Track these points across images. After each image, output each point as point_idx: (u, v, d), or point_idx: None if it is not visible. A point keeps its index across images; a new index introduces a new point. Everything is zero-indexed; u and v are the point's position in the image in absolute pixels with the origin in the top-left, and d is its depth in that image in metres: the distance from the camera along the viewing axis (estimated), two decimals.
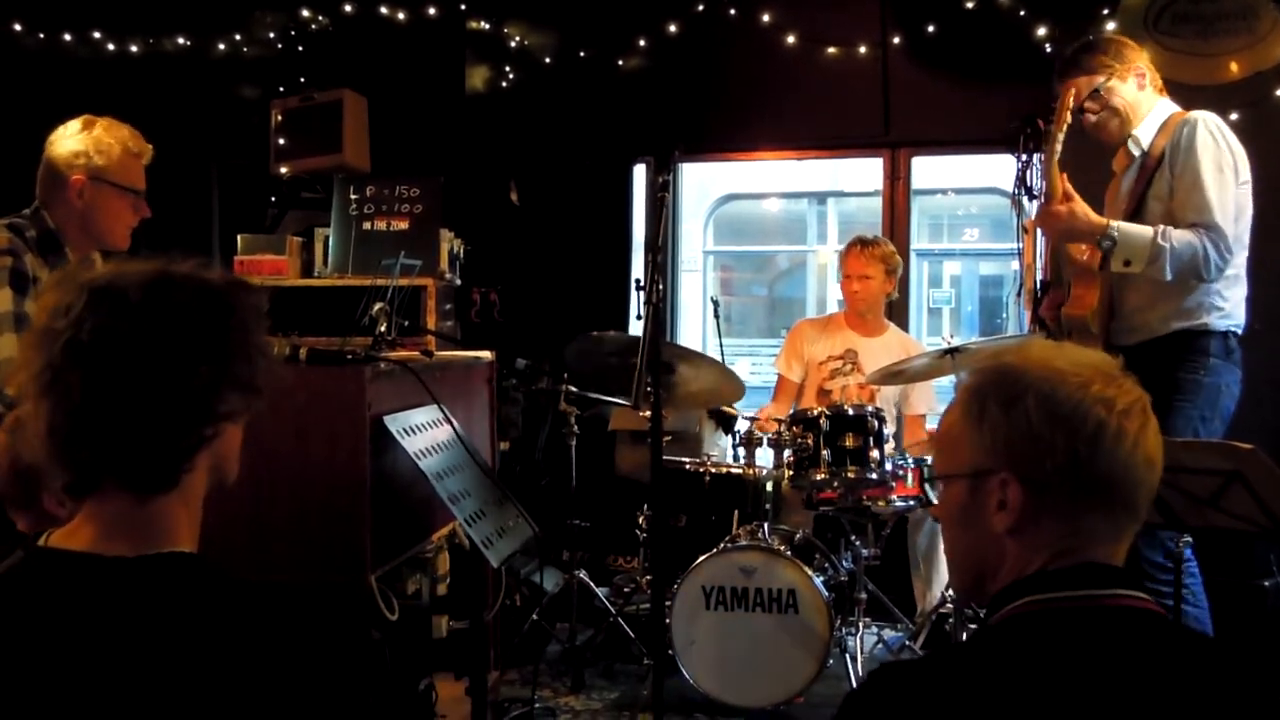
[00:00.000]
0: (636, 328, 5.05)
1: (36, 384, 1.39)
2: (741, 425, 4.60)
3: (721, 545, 4.09)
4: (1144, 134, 3.64)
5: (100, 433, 1.37)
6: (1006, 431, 1.43)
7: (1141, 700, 1.31)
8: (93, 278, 1.41)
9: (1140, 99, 3.65)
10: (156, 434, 1.39)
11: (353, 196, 5.06)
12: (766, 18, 5.56)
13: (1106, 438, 1.38)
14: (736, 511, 4.40)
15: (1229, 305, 3.55)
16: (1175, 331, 3.54)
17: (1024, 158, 3.80)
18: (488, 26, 5.91)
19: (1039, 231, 4.00)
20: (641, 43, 5.75)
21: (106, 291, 1.39)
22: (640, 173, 5.93)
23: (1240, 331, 3.59)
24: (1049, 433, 1.40)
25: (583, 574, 4.64)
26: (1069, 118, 3.55)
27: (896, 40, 5.45)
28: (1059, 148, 3.54)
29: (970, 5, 5.24)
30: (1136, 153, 3.66)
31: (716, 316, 5.51)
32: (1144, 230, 3.44)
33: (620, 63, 5.80)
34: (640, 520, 4.59)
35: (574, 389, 4.61)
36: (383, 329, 3.14)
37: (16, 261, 2.95)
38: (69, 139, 3.09)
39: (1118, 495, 1.41)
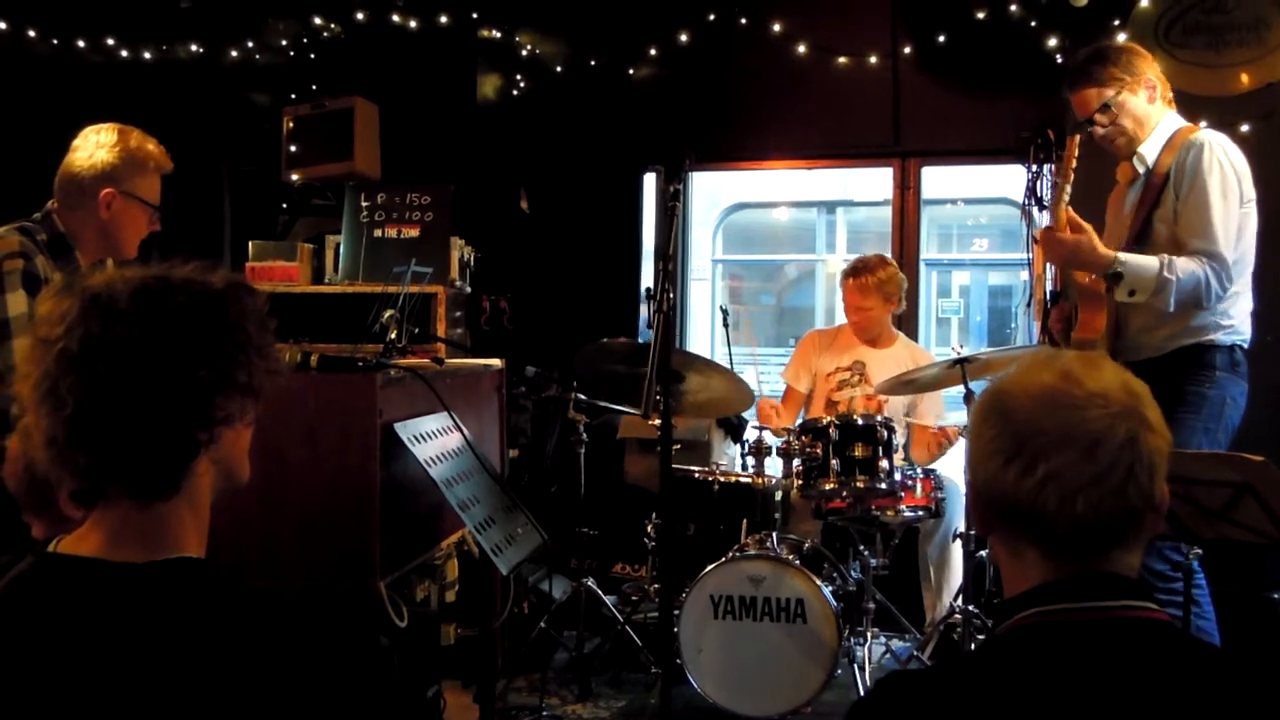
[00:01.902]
0: (646, 336, 5.06)
1: (35, 394, 1.39)
2: (750, 434, 4.59)
3: (730, 554, 4.08)
4: (1149, 150, 3.63)
5: (96, 441, 1.38)
6: (971, 453, 1.48)
7: (1145, 712, 1.31)
8: (88, 285, 1.42)
9: (1150, 112, 3.64)
10: (151, 441, 1.40)
11: (364, 204, 5.07)
12: (777, 27, 5.56)
13: (1014, 468, 1.39)
14: (745, 520, 4.40)
15: (1234, 320, 3.55)
16: (1181, 347, 3.54)
17: (1034, 168, 3.79)
18: (499, 35, 5.92)
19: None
20: (652, 52, 5.76)
21: (98, 300, 1.39)
22: (650, 181, 5.93)
23: (1246, 345, 3.59)
24: (983, 460, 1.43)
25: (591, 582, 4.64)
26: (1075, 164, 3.55)
27: (907, 50, 5.45)
28: (1066, 197, 3.54)
29: (981, 15, 5.23)
30: (1141, 169, 3.65)
31: (725, 325, 5.51)
32: (1150, 263, 3.43)
33: (631, 71, 5.81)
34: (648, 529, 4.59)
35: (583, 397, 4.61)
36: (393, 336, 3.15)
37: (28, 264, 2.97)
38: (104, 150, 3.11)
39: (1027, 525, 1.41)
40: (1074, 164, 3.54)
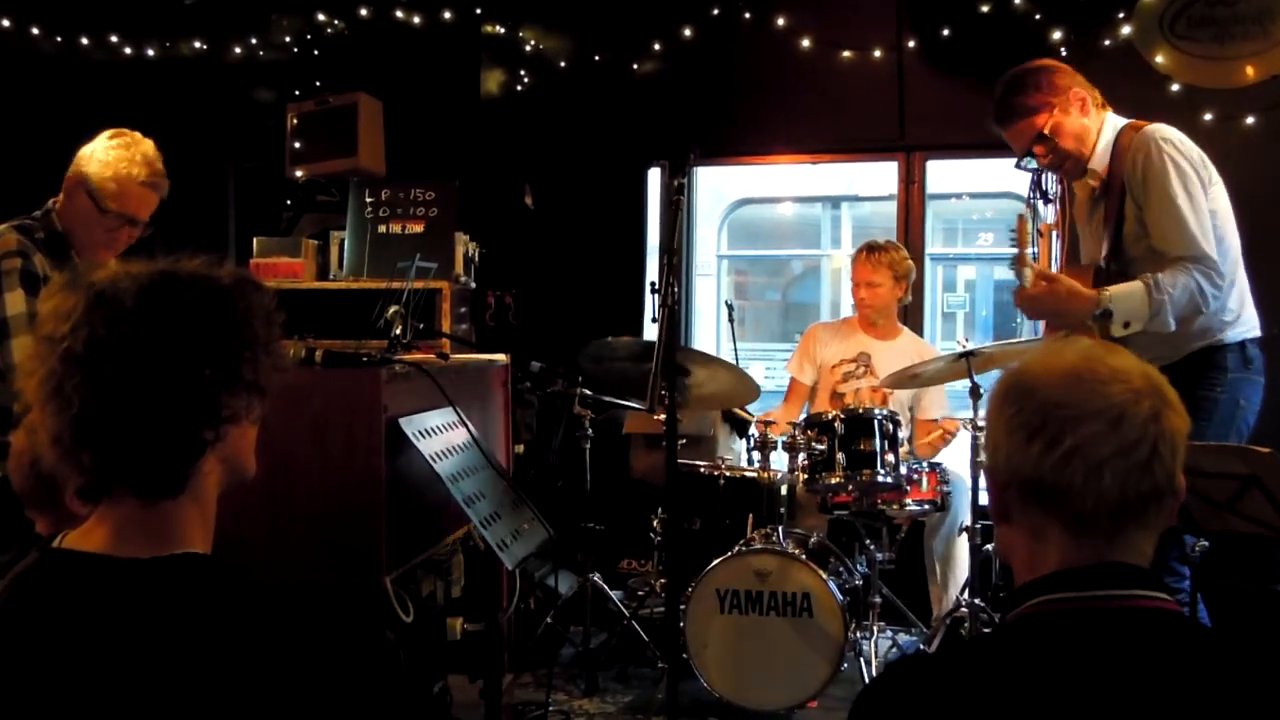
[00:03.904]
0: (651, 331, 5.07)
1: (40, 391, 1.39)
2: (755, 429, 4.59)
3: (736, 549, 4.09)
4: (1099, 163, 3.50)
5: (101, 440, 1.37)
6: (991, 435, 1.48)
7: (1151, 700, 1.31)
8: (94, 282, 1.41)
9: (1088, 124, 3.50)
10: (157, 441, 1.39)
11: (368, 199, 5.06)
12: (781, 21, 5.56)
13: (1038, 443, 1.39)
14: (751, 515, 4.40)
15: (1237, 313, 3.42)
16: (1190, 353, 3.40)
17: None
18: (503, 30, 5.92)
19: (1053, 236, 3.94)
20: (656, 46, 5.75)
21: (103, 298, 1.39)
22: (655, 176, 5.92)
23: (1258, 335, 3.47)
24: (1005, 439, 1.43)
25: (597, 577, 4.65)
26: (1030, 240, 3.44)
27: (911, 44, 5.44)
28: (1029, 264, 3.43)
29: (985, 9, 5.22)
30: (1094, 183, 3.54)
31: (731, 320, 5.51)
32: (1135, 290, 3.26)
33: (635, 66, 5.80)
34: (654, 523, 4.59)
35: (588, 392, 4.61)
36: (398, 332, 3.15)
37: (26, 262, 2.97)
38: (90, 143, 3.11)
39: (1053, 502, 1.40)
40: (1027, 239, 3.44)
